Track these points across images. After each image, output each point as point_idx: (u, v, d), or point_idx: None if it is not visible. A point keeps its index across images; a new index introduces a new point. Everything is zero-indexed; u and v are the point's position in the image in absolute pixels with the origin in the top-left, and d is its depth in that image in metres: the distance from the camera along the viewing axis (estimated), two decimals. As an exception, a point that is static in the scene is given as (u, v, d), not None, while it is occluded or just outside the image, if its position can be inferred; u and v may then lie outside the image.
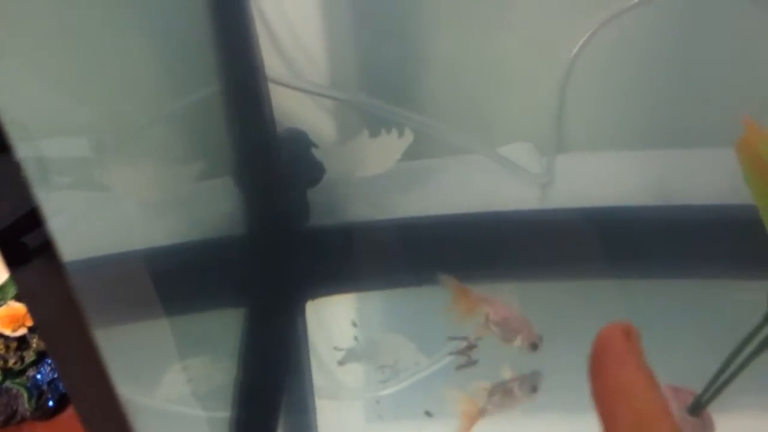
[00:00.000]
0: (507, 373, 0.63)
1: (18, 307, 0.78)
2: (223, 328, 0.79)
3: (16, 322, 0.77)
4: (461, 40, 0.81)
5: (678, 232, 0.79)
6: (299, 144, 0.81)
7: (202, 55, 0.72)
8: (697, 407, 0.55)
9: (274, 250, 0.84)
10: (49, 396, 0.77)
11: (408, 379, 0.74)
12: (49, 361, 0.78)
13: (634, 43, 0.80)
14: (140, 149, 0.72)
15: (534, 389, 0.62)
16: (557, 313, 0.72)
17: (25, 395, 0.76)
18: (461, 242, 0.82)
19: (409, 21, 0.80)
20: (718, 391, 0.53)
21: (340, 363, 0.77)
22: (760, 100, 0.80)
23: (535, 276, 0.80)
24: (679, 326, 0.72)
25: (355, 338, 0.79)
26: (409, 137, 0.77)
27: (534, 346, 0.63)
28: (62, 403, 0.78)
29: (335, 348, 0.78)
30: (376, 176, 0.80)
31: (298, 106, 0.83)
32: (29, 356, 0.78)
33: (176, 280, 0.75)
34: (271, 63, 0.79)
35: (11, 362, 0.77)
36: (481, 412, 0.61)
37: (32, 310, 0.37)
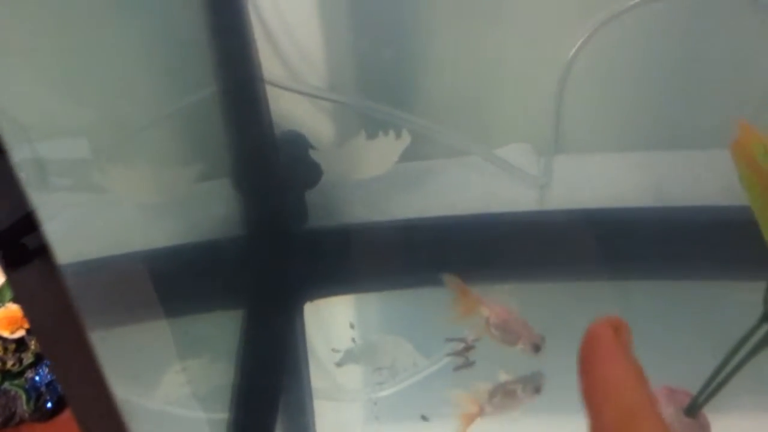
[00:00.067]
0: (506, 375, 0.63)
1: (16, 309, 0.78)
2: (222, 329, 0.79)
3: (14, 324, 0.77)
4: (458, 42, 0.81)
5: (675, 233, 0.79)
6: (297, 146, 0.81)
7: (201, 58, 0.72)
8: (693, 408, 0.55)
9: (272, 252, 0.84)
10: (48, 397, 0.77)
11: (406, 381, 0.74)
12: (48, 363, 0.79)
13: (631, 45, 0.80)
14: (138, 151, 0.72)
15: (537, 390, 0.62)
16: (554, 314, 0.72)
17: (24, 397, 0.76)
18: (459, 244, 0.82)
19: (407, 23, 0.80)
20: (714, 392, 0.53)
21: (338, 364, 0.77)
22: (758, 101, 0.80)
23: (533, 277, 0.80)
24: (675, 327, 0.72)
25: (353, 340, 0.79)
26: (406, 139, 0.77)
27: (536, 348, 0.62)
28: (60, 404, 0.78)
29: (333, 349, 0.78)
30: (374, 178, 0.80)
31: (295, 108, 0.83)
32: (27, 358, 0.78)
33: (175, 282, 0.75)
34: (269, 65, 0.80)
35: (9, 364, 0.77)
36: (481, 413, 0.61)
37: (27, 312, 0.37)
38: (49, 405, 0.77)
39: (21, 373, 0.78)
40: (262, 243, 0.84)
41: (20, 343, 0.78)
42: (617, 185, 0.85)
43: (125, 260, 0.69)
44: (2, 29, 0.58)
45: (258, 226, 0.83)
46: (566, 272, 0.79)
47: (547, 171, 0.85)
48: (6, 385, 0.77)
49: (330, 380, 0.78)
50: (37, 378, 0.78)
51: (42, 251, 0.35)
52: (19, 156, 0.35)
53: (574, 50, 0.80)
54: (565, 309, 0.75)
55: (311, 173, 0.81)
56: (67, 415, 0.78)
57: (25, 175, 0.35)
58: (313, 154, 0.80)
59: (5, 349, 0.77)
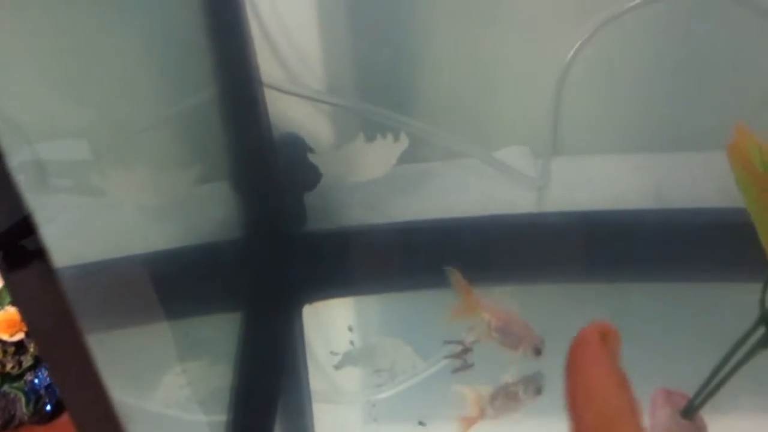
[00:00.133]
0: (506, 377, 0.63)
1: (15, 312, 0.78)
2: (221, 331, 0.79)
3: (13, 327, 0.77)
4: (457, 44, 0.81)
5: (673, 235, 0.79)
6: (296, 148, 0.81)
7: (199, 60, 0.72)
8: (690, 410, 0.55)
9: (271, 254, 0.84)
10: (47, 400, 0.77)
11: (404, 383, 0.74)
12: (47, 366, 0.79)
13: (630, 46, 0.80)
14: (137, 153, 0.72)
15: (539, 391, 0.62)
16: (553, 316, 0.72)
17: (23, 399, 0.76)
18: (457, 246, 0.82)
19: (405, 26, 0.80)
20: (711, 394, 0.53)
21: (337, 367, 0.77)
22: (757, 101, 0.80)
23: (531, 279, 0.80)
24: (672, 329, 0.72)
25: (352, 342, 0.79)
26: (404, 141, 0.77)
27: (537, 351, 0.62)
28: (60, 407, 0.78)
29: (332, 352, 0.78)
30: (372, 180, 0.80)
31: (294, 110, 0.84)
32: (27, 361, 0.78)
33: (173, 284, 0.75)
34: (268, 68, 0.80)
35: (9, 367, 0.77)
36: (481, 416, 0.61)
37: (24, 315, 0.37)
38: (48, 408, 0.77)
39: (20, 376, 0.78)
40: (260, 245, 0.84)
41: (19, 346, 0.78)
42: (616, 187, 0.85)
43: (124, 263, 0.69)
44: (2, 30, 0.58)
45: (257, 228, 0.83)
46: (564, 274, 0.79)
47: (545, 173, 0.85)
48: (5, 387, 0.77)
49: (329, 382, 0.78)
50: (36, 381, 0.78)
51: (40, 254, 0.35)
52: (17, 158, 0.35)
53: (572, 52, 0.80)
54: (564, 310, 0.75)
55: (310, 176, 0.81)
56: (66, 417, 0.78)
57: (23, 177, 0.35)
58: (312, 157, 0.80)
59: (4, 352, 0.77)
